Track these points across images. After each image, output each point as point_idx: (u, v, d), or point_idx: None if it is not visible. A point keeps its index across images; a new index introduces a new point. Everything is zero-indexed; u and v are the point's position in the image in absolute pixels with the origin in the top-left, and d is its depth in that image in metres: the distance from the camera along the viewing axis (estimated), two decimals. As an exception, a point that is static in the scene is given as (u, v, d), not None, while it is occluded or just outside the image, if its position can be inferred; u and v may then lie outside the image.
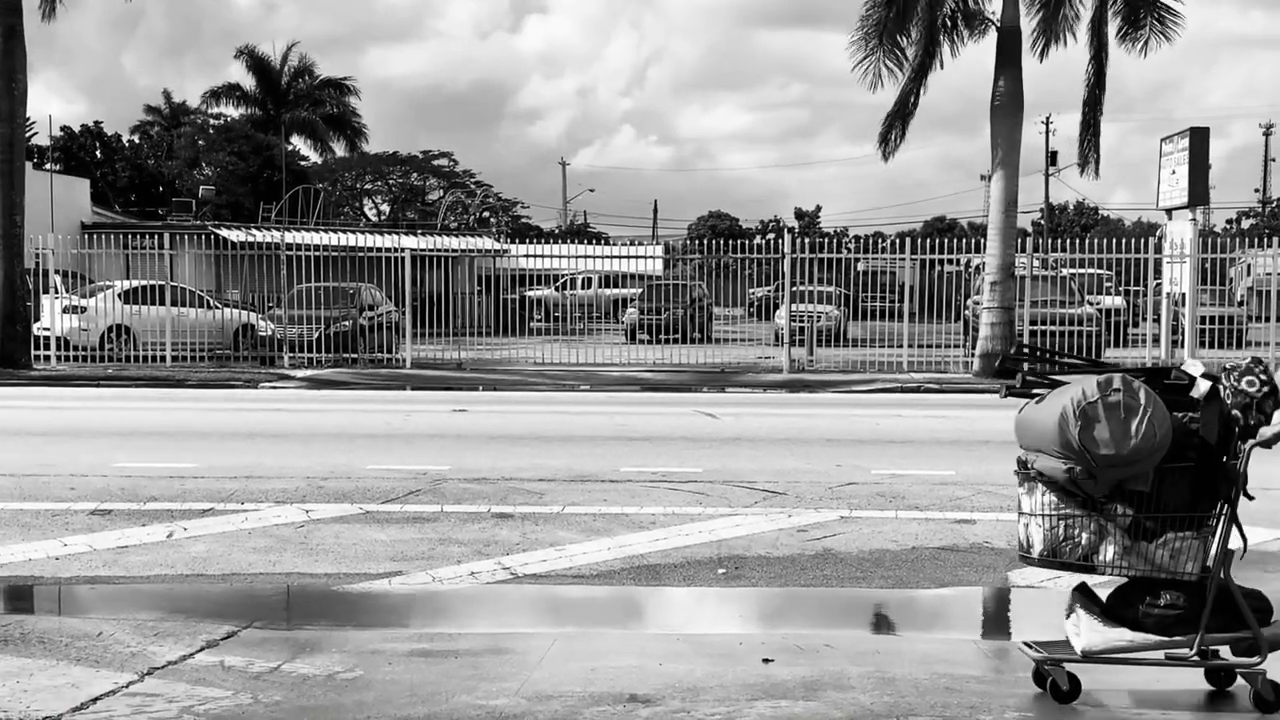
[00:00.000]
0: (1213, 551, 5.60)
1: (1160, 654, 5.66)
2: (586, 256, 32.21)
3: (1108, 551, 5.61)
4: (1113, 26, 24.53)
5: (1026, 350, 6.20)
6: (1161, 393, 5.63)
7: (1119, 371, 5.71)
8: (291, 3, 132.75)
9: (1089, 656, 5.66)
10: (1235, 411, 5.60)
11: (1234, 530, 5.61)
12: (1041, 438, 5.62)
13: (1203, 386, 5.64)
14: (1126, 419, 5.47)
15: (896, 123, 25.17)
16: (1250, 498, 5.71)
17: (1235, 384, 5.63)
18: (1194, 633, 5.56)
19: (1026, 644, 5.91)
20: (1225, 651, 5.71)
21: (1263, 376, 5.64)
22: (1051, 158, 71.61)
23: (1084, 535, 5.63)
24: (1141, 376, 5.70)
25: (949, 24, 24.81)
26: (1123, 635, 5.63)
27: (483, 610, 7.86)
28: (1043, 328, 25.40)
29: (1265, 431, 5.52)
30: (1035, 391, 5.80)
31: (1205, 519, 5.60)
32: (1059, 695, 5.72)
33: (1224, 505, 5.59)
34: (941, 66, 24.87)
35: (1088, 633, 5.68)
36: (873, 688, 5.89)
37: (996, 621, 7.97)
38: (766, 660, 6.31)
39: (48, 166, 49.99)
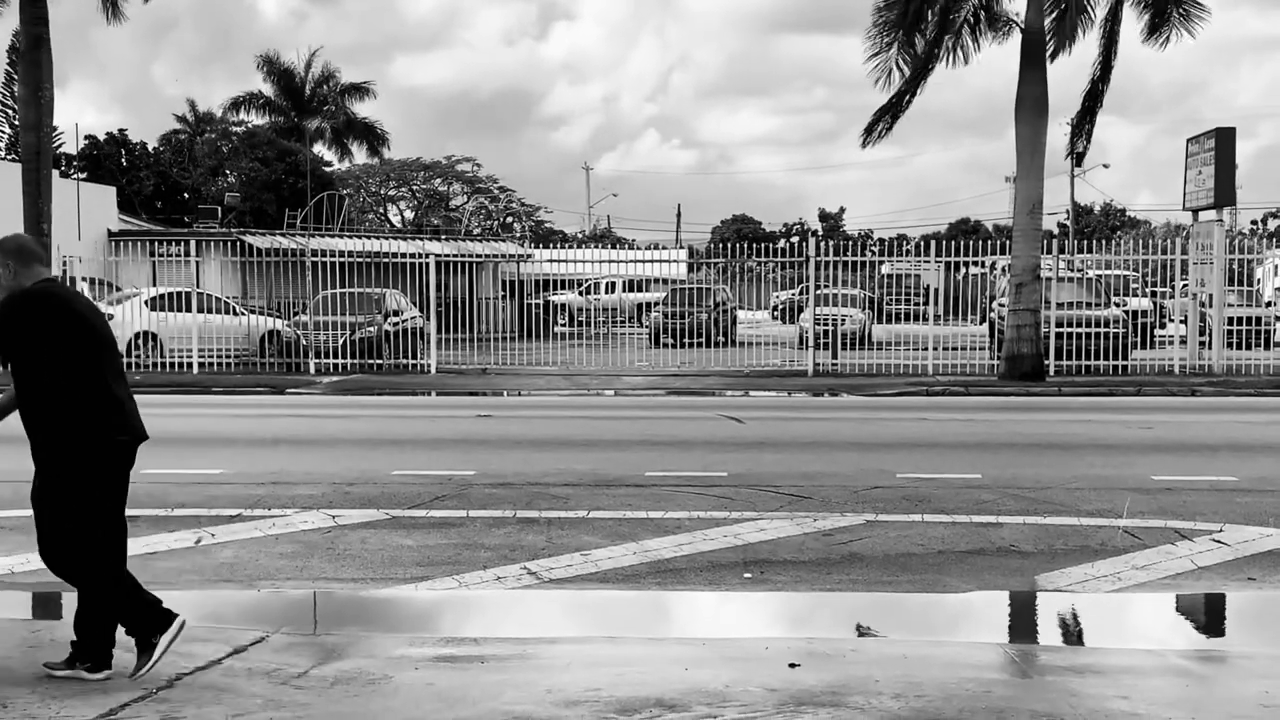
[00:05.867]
0: None
1: None
2: (610, 261, 32.25)
3: None
4: (1138, 22, 24.51)
5: None
6: None
7: None
8: (321, 12, 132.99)
9: None
10: None
11: None
12: None
13: None
14: None
15: (886, 116, 25.16)
16: None
17: None
18: None
19: None
20: None
21: None
22: (1077, 159, 71.25)
23: None
24: None
25: (971, 23, 24.75)
26: None
27: (509, 615, 7.88)
28: (1068, 329, 25.26)
29: None
30: None
31: None
32: None
33: None
34: (964, 61, 24.84)
35: None
36: (900, 693, 5.87)
37: (1024, 626, 7.94)
38: (793, 665, 6.30)
39: (74, 175, 50.33)
